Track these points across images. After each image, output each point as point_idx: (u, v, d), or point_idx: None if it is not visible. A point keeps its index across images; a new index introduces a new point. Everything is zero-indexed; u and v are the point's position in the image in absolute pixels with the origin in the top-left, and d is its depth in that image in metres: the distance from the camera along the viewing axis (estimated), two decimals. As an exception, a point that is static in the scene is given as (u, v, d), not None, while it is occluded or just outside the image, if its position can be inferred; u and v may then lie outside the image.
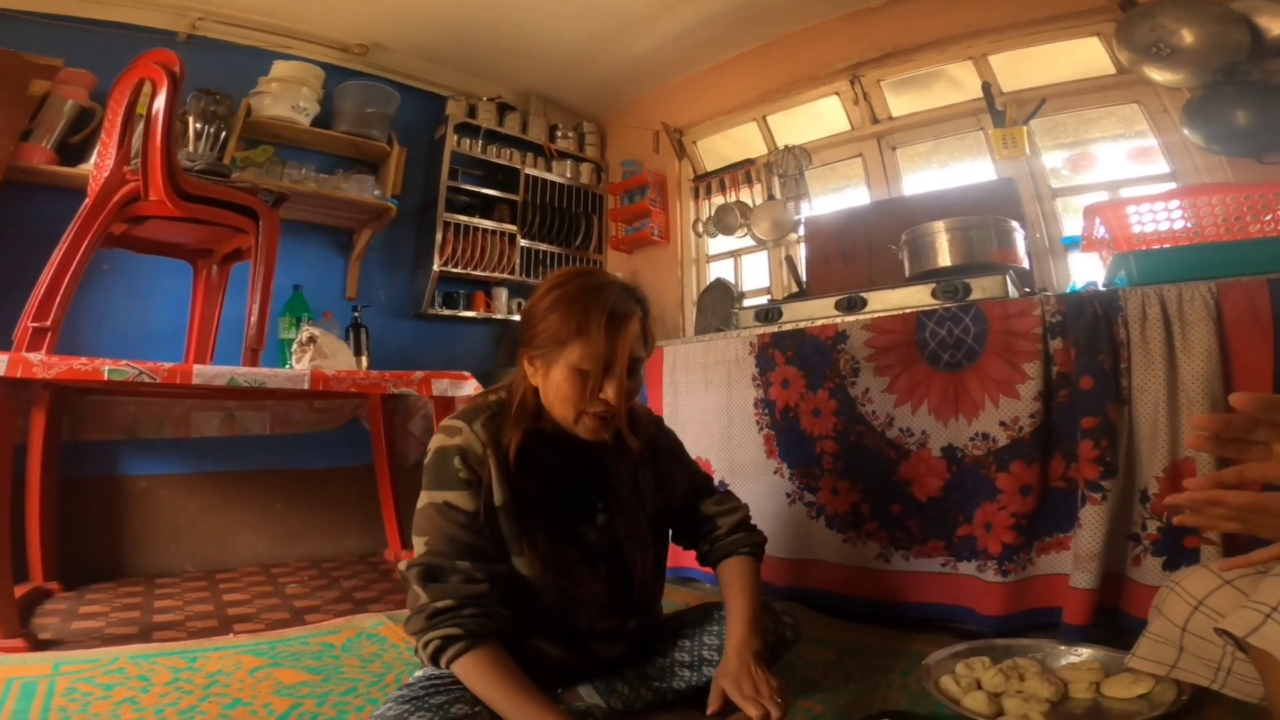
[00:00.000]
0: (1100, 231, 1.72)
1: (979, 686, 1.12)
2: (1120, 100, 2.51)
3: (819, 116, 3.24)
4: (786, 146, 3.16)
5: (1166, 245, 1.58)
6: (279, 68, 2.76)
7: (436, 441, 1.04)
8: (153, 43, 2.27)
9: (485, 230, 3.32)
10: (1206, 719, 1.00)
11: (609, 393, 0.98)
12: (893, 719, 1.03)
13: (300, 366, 2.00)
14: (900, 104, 3.04)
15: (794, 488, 1.78)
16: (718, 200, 3.41)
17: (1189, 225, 1.60)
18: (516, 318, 3.42)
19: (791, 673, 1.30)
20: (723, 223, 3.30)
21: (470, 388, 2.05)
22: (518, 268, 3.41)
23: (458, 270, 3.23)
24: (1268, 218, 1.53)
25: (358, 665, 1.46)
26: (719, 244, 3.55)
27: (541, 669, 1.01)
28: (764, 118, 3.36)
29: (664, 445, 1.23)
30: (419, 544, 1.00)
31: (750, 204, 3.27)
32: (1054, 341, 1.44)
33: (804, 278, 2.66)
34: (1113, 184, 2.56)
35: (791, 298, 2.35)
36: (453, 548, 0.98)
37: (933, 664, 1.22)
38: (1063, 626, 1.37)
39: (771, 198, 3.20)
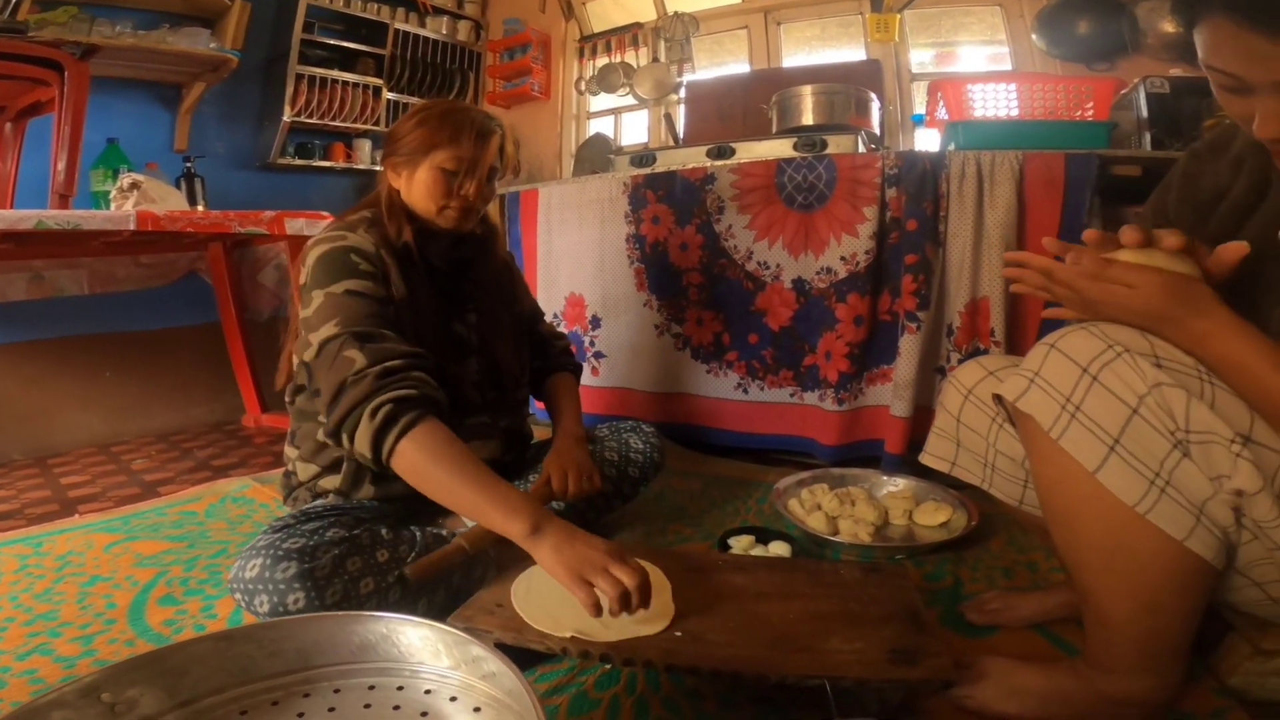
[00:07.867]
0: (941, 111, 1.90)
1: (820, 509, 1.32)
2: (987, 2, 2.70)
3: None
4: (676, 13, 3.14)
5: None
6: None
7: (321, 248, 1.02)
8: None
9: (346, 83, 3.08)
10: (990, 549, 1.22)
11: (469, 189, 1.07)
12: (750, 534, 1.21)
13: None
14: (792, -20, 3.06)
15: (662, 319, 1.90)
16: (602, 61, 3.38)
17: (1016, 110, 1.79)
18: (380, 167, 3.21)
19: (662, 501, 1.48)
20: (606, 81, 3.29)
21: (329, 227, 1.93)
22: (383, 119, 3.20)
23: (313, 121, 2.99)
24: (1084, 108, 1.76)
25: (225, 528, 1.40)
26: (600, 102, 3.54)
27: None
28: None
29: (516, 270, 1.37)
30: (327, 327, 0.94)
31: (635, 65, 3.25)
32: (890, 190, 1.61)
33: (681, 135, 2.71)
34: (966, 77, 2.79)
35: (667, 148, 2.39)
36: (373, 321, 0.96)
37: (782, 489, 1.42)
38: (885, 456, 1.61)
39: (656, 60, 3.20)
